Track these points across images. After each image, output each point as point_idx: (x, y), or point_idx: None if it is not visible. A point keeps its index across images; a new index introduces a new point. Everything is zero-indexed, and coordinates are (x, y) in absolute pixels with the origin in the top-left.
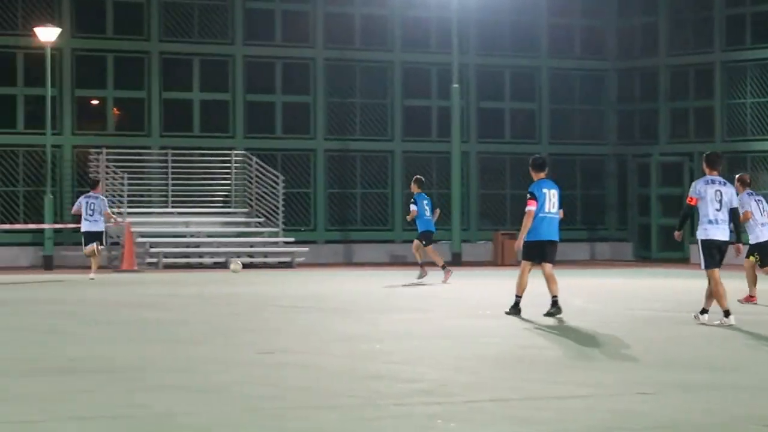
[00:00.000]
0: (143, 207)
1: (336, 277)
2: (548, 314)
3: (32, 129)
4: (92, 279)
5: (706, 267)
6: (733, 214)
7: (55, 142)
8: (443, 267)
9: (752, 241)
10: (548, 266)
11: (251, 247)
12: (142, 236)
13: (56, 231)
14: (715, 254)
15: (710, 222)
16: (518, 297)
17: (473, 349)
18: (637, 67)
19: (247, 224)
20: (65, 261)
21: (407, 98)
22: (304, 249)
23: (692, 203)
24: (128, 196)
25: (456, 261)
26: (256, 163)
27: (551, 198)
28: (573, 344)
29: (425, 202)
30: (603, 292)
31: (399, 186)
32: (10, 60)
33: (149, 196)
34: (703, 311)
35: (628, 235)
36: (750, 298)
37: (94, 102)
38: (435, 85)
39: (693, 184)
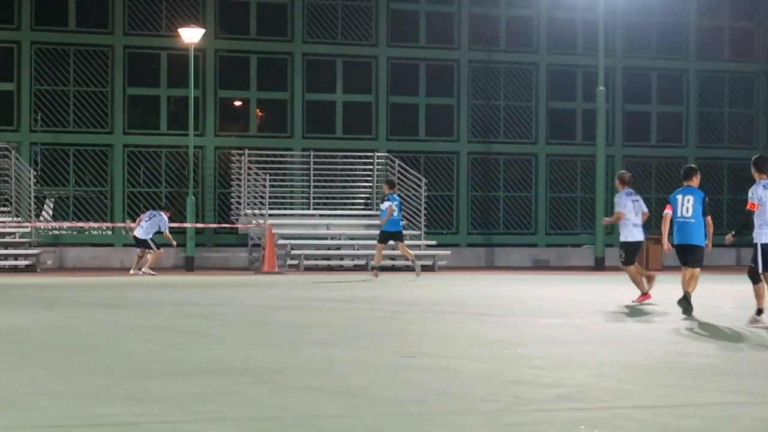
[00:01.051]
0: (284, 209)
1: (478, 280)
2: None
3: (175, 130)
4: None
5: (766, 270)
6: None
7: (197, 143)
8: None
9: (622, 239)
10: (689, 270)
11: (393, 249)
12: (283, 238)
13: (198, 232)
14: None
15: None
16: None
17: (617, 354)
18: None
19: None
20: (206, 262)
21: (552, 100)
22: (446, 252)
23: (753, 209)
24: (270, 197)
25: (599, 266)
26: (399, 165)
27: (685, 203)
28: (719, 350)
29: (395, 203)
30: (750, 298)
31: (543, 189)
32: (154, 61)
33: (291, 197)
34: (760, 311)
35: None
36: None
37: (237, 103)
38: (580, 87)
39: (751, 189)
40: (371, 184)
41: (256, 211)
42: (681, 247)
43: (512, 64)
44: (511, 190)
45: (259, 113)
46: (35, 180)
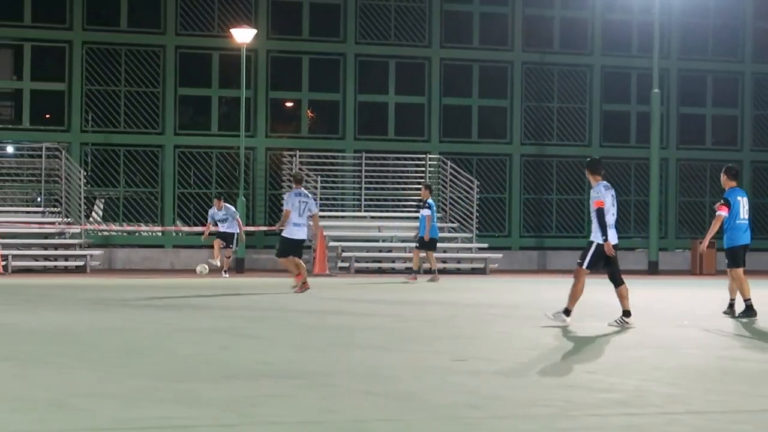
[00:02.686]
0: (336, 211)
1: (530, 284)
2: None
3: (226, 131)
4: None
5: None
6: None
7: (248, 144)
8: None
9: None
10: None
11: (444, 252)
12: (334, 240)
13: (247, 234)
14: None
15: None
16: (748, 300)
17: (672, 359)
18: None
19: (440, 229)
20: (256, 264)
21: (606, 103)
22: (498, 255)
23: (601, 204)
24: (321, 199)
25: (652, 270)
26: (451, 167)
27: (744, 205)
28: None
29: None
30: None
31: None
32: (205, 61)
33: (342, 199)
34: (627, 313)
35: None
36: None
37: (289, 104)
38: (635, 89)
39: (594, 190)
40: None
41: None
42: (746, 247)
43: (566, 65)
44: (563, 192)
45: (311, 114)
46: (85, 180)
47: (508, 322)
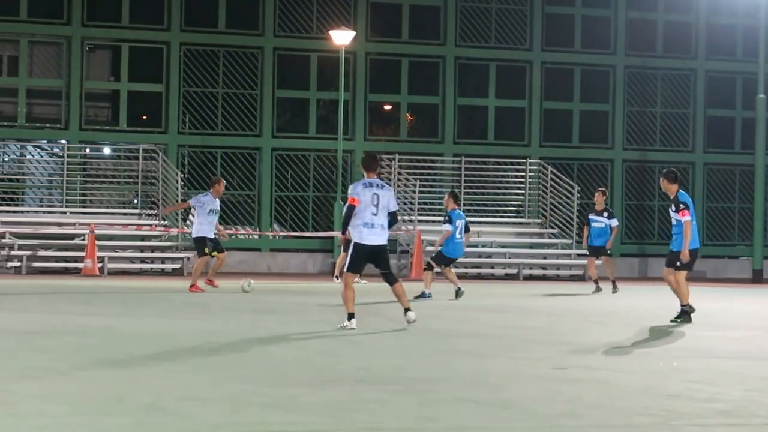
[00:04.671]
0: (434, 215)
1: (631, 291)
2: None
3: (324, 133)
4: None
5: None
6: None
7: (346, 147)
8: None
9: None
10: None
11: (544, 258)
12: (432, 245)
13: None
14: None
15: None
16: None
17: None
18: None
19: (540, 235)
20: None
21: (710, 108)
22: (598, 262)
23: (354, 203)
24: (419, 203)
25: (756, 278)
26: (552, 172)
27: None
28: None
29: (461, 221)
30: None
31: (699, 199)
32: (304, 63)
33: (441, 204)
34: (408, 311)
35: None
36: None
37: (387, 107)
38: (739, 94)
39: (352, 186)
40: (524, 191)
41: (405, 217)
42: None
43: (669, 70)
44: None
45: (410, 117)
46: (182, 183)
47: (608, 329)
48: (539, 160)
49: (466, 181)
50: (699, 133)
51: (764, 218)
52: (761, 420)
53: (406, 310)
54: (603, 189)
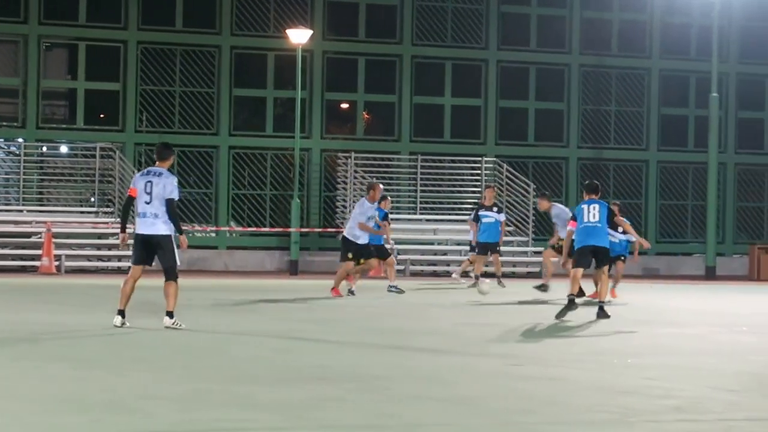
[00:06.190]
0: (391, 213)
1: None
2: None
3: (281, 132)
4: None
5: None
6: None
7: (303, 146)
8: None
9: None
10: None
11: (500, 256)
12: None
13: (302, 235)
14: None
15: None
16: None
17: (731, 365)
18: None
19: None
20: (310, 266)
21: (664, 106)
22: (554, 259)
23: (133, 195)
24: None
25: (710, 275)
26: (507, 170)
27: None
28: None
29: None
30: None
31: (653, 197)
32: (260, 62)
33: (397, 202)
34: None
35: None
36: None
37: (344, 105)
38: (693, 93)
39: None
40: (479, 189)
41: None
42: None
43: (624, 68)
44: (621, 197)
45: (366, 116)
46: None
47: (563, 327)
48: (495, 159)
49: (422, 180)
50: (653, 131)
51: (717, 215)
52: (715, 416)
53: (168, 312)
54: (493, 185)
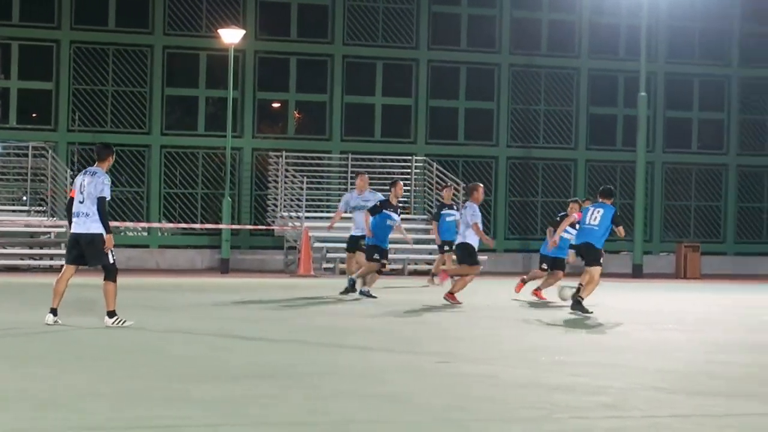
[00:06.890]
0: (321, 211)
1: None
2: None
3: (213, 131)
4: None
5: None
6: None
7: (235, 145)
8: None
9: None
10: None
11: (430, 254)
12: (319, 241)
13: (233, 234)
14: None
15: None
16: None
17: (657, 362)
18: None
19: (425, 231)
20: (241, 264)
21: (593, 106)
22: (483, 257)
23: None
24: (306, 200)
25: (636, 273)
26: (437, 169)
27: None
28: (760, 359)
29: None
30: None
31: (582, 196)
32: (193, 61)
33: (328, 200)
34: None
35: None
36: None
37: (276, 105)
38: (621, 92)
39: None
40: (410, 188)
41: (293, 214)
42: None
43: (553, 68)
44: (549, 195)
45: (298, 115)
46: (71, 180)
47: (495, 325)
48: (425, 158)
49: (353, 178)
50: (582, 130)
51: (644, 214)
52: (641, 412)
53: (109, 312)
54: (450, 184)
